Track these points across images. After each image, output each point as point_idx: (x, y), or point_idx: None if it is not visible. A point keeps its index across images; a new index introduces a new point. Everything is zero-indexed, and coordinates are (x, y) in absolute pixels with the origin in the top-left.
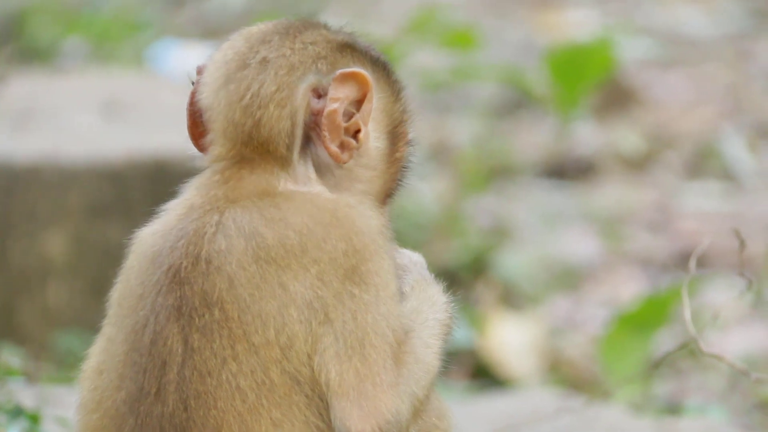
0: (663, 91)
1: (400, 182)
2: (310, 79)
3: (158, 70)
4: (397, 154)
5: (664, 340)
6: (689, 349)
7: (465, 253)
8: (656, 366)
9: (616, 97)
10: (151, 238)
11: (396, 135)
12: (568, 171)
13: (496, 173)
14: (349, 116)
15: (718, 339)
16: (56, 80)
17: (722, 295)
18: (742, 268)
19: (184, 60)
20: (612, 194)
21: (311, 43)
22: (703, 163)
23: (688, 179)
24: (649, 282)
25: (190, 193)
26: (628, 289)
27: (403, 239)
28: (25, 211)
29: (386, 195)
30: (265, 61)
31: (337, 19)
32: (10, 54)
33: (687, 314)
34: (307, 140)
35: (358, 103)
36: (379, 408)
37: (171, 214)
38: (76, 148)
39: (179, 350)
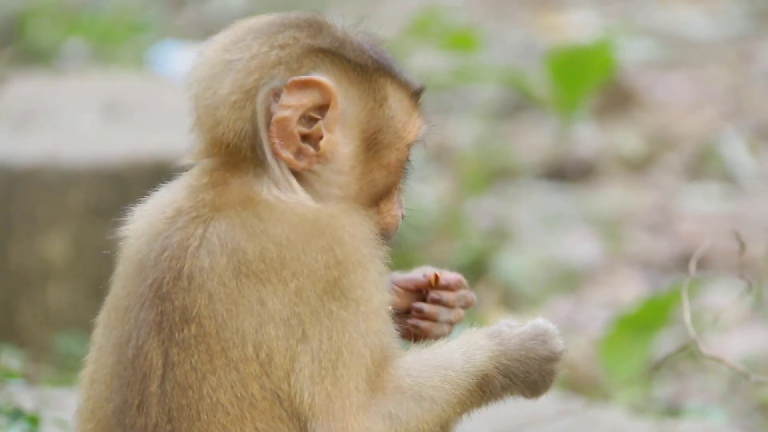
0: (664, 92)
1: (393, 187)
2: (274, 84)
3: (159, 72)
4: (383, 160)
5: (664, 342)
6: (689, 351)
7: (465, 255)
8: (657, 368)
9: (616, 98)
10: (138, 242)
11: (377, 141)
12: (568, 173)
13: (497, 175)
14: (312, 122)
15: (719, 341)
16: (57, 82)
17: (722, 297)
18: (742, 270)
19: (184, 61)
20: (612, 196)
21: (279, 47)
22: (704, 164)
23: (688, 181)
24: (649, 284)
25: (179, 194)
26: (629, 290)
27: (403, 241)
28: (26, 213)
29: (373, 199)
30: (228, 62)
31: (337, 20)
32: (11, 55)
33: (687, 316)
34: None
35: (323, 109)
36: (347, 430)
37: (159, 216)
38: (76, 150)
39: (159, 364)
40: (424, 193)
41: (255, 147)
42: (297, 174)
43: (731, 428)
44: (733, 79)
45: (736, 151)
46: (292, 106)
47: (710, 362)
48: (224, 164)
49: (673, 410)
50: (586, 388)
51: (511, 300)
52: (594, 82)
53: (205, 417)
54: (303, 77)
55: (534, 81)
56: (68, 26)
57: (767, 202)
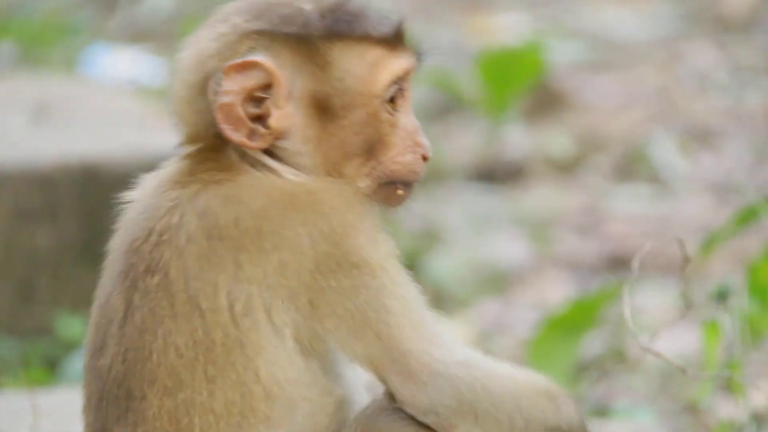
0: (593, 94)
1: (377, 139)
2: (216, 75)
3: (89, 75)
4: (344, 121)
5: (592, 344)
6: (617, 351)
7: None
8: (596, 368)
9: (546, 100)
10: (131, 207)
11: (330, 105)
12: (498, 174)
13: (427, 176)
14: (260, 101)
15: (649, 342)
16: None
17: (651, 297)
18: (684, 272)
19: (115, 64)
20: (541, 197)
21: (222, 35)
22: (633, 166)
23: (617, 182)
24: (577, 285)
25: (168, 167)
26: (557, 292)
27: None
28: None
29: (355, 157)
30: (179, 61)
31: None
32: None
33: (627, 313)
34: None
35: (270, 87)
36: (412, 366)
37: (148, 185)
38: (5, 153)
39: (122, 308)
40: None
41: (218, 135)
42: (271, 153)
43: (659, 429)
44: (662, 81)
45: (665, 152)
46: (233, 90)
47: (638, 363)
48: (207, 147)
49: (601, 411)
50: None
51: (440, 301)
52: (524, 84)
53: (155, 358)
54: (238, 60)
55: (464, 83)
56: None
57: (695, 203)
